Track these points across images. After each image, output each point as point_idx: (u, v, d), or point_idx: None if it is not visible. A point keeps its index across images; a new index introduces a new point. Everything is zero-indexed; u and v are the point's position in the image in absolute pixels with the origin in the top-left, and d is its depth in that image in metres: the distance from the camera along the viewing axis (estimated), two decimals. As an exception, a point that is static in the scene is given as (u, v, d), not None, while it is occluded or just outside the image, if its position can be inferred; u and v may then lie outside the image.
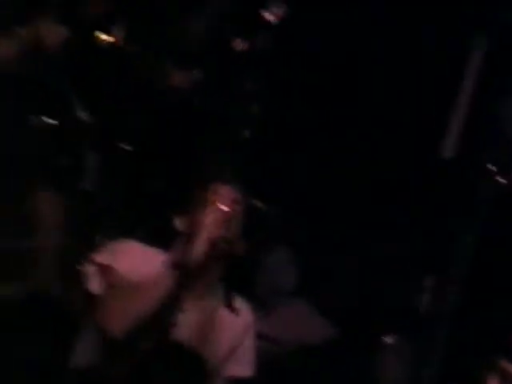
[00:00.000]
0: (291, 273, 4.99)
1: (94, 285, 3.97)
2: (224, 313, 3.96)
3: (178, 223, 3.99)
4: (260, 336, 4.34)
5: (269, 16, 3.87)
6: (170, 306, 3.72)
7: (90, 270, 4.05)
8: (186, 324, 3.73)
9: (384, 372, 4.60)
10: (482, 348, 4.19)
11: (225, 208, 3.90)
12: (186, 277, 3.75)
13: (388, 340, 4.64)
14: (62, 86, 4.54)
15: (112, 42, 4.09)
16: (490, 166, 3.78)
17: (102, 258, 4.05)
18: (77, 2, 3.92)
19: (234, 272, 4.04)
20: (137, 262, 4.04)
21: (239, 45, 4.22)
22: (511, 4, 4.67)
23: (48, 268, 4.57)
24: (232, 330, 3.97)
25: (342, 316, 4.84)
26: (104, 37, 4.11)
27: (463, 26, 4.81)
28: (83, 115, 4.71)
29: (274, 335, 4.66)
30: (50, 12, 3.89)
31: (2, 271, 4.48)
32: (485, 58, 4.76)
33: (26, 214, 4.63)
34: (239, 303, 4.04)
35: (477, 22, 4.82)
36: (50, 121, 4.73)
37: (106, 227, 4.83)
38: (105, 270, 4.01)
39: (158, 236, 4.11)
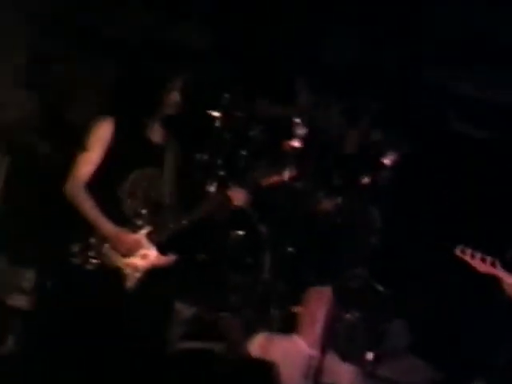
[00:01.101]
0: (405, 336, 6.03)
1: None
2: (338, 367, 5.12)
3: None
4: (384, 379, 5.61)
5: (386, 161, 5.33)
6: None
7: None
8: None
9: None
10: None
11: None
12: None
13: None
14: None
15: (285, 181, 4.83)
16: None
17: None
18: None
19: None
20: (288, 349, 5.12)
21: (366, 181, 5.50)
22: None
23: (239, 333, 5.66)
24: (344, 378, 5.11)
25: (443, 366, 5.77)
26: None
27: None
28: (262, 228, 6.01)
29: (394, 379, 5.65)
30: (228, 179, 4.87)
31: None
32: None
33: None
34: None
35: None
36: (240, 232, 6.10)
37: (274, 302, 5.99)
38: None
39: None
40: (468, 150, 6.26)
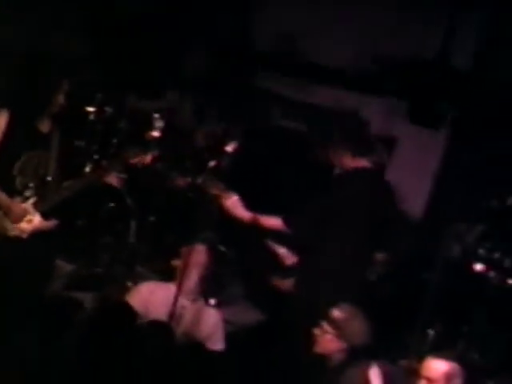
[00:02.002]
0: (241, 287, 6.87)
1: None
2: (205, 311, 5.52)
3: (178, 264, 5.50)
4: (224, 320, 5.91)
5: (228, 148, 5.71)
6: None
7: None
8: (186, 318, 5.27)
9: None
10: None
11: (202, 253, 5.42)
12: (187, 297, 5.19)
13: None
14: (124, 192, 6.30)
15: (148, 164, 5.32)
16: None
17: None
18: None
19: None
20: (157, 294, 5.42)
21: (212, 164, 5.57)
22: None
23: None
24: (209, 321, 5.51)
25: (268, 310, 6.44)
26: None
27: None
28: (129, 201, 6.65)
29: (231, 320, 6.12)
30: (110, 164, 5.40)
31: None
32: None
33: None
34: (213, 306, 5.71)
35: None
36: (111, 204, 6.64)
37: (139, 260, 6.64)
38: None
39: (169, 270, 5.66)
40: (289, 139, 7.31)
